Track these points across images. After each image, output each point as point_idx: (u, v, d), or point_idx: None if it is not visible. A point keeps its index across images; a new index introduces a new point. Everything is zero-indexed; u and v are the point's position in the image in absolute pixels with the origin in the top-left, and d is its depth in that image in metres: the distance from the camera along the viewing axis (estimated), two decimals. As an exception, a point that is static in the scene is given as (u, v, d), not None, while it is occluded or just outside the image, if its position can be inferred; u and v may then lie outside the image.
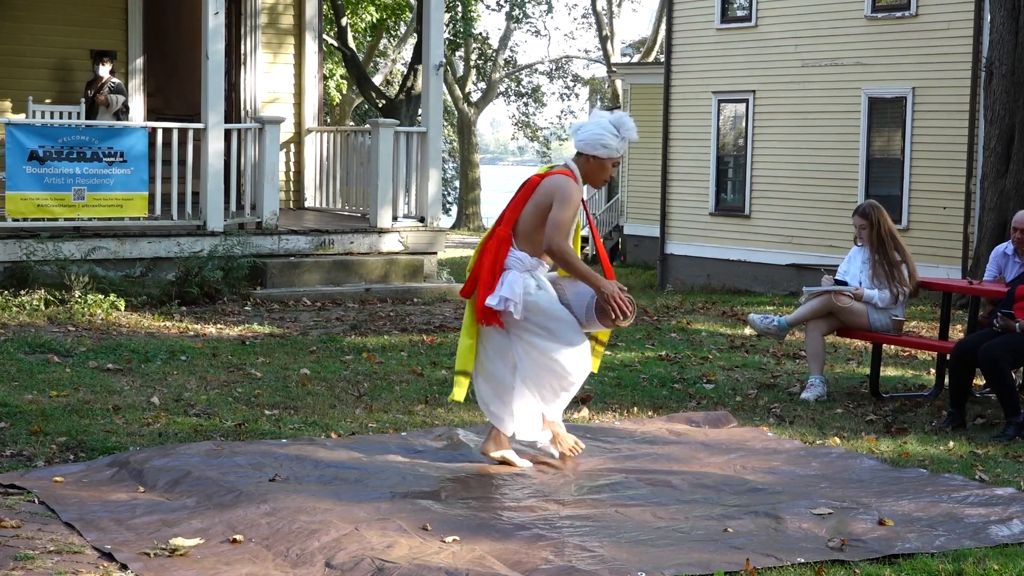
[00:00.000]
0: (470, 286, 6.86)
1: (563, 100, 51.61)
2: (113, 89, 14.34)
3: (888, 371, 10.38)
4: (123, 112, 14.41)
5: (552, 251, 6.62)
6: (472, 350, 6.86)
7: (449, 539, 5.48)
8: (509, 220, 6.80)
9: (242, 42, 16.34)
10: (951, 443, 7.78)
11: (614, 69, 39.26)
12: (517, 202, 6.82)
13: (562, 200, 6.65)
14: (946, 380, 8.79)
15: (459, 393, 6.93)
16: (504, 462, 6.95)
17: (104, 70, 14.29)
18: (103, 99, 14.16)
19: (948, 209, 19.27)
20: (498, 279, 6.70)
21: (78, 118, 13.71)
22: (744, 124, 22.66)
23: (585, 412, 8.43)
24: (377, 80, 37.09)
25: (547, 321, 6.72)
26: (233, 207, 13.88)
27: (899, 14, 20.08)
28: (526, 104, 50.77)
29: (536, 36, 64.84)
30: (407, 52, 37.17)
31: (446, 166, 48.56)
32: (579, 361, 6.79)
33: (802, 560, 5.37)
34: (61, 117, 13.86)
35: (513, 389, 6.83)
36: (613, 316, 6.62)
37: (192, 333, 11.29)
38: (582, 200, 6.81)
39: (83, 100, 14.26)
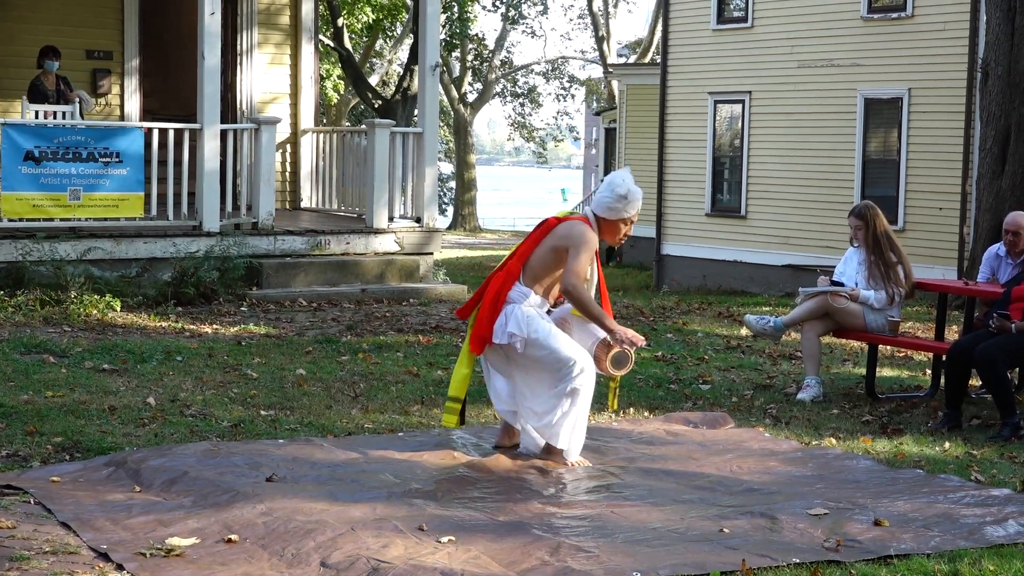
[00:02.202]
0: (469, 309, 7.09)
1: (559, 101, 51.67)
2: (68, 85, 14.24)
3: (884, 372, 10.39)
4: (88, 109, 14.35)
5: (569, 293, 6.85)
6: (466, 379, 7.12)
7: (445, 539, 5.48)
8: (522, 256, 7.03)
9: (238, 42, 16.33)
10: (947, 444, 7.79)
11: (610, 70, 39.28)
12: (532, 240, 7.05)
13: (578, 246, 6.87)
14: (942, 381, 8.79)
15: (449, 420, 7.18)
16: (515, 446, 7.18)
17: (56, 66, 14.16)
18: (74, 96, 14.09)
19: (944, 210, 19.28)
20: (499, 311, 6.89)
21: (71, 118, 13.70)
22: (740, 125, 22.67)
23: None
24: (373, 81, 37.06)
25: (538, 351, 6.87)
26: (229, 207, 13.87)
27: (895, 15, 20.09)
28: (522, 105, 50.81)
29: (532, 37, 64.97)
30: (403, 53, 37.18)
31: (442, 166, 48.60)
32: (570, 356, 6.88)
33: (798, 560, 5.37)
34: (54, 117, 13.82)
35: (550, 404, 6.94)
36: (614, 364, 6.88)
37: (188, 334, 11.28)
38: (596, 252, 6.99)
39: (29, 95, 14.07)
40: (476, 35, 42.89)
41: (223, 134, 13.68)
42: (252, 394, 8.67)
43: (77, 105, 13.95)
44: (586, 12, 48.25)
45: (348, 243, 14.39)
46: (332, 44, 29.48)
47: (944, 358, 8.67)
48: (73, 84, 14.46)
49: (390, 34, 38.54)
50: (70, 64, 14.54)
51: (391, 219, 14.73)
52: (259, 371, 9.51)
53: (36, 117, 13.55)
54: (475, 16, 37.54)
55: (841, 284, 9.39)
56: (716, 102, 23.13)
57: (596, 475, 6.83)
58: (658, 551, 5.46)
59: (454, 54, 43.68)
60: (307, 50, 16.79)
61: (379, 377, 9.48)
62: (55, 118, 13.69)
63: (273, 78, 16.60)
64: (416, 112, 17.05)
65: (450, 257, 28.87)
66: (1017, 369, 8.92)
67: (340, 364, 9.97)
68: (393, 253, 14.63)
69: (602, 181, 7.25)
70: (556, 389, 6.87)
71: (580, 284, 6.83)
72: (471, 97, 48.04)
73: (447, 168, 50.45)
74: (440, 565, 5.15)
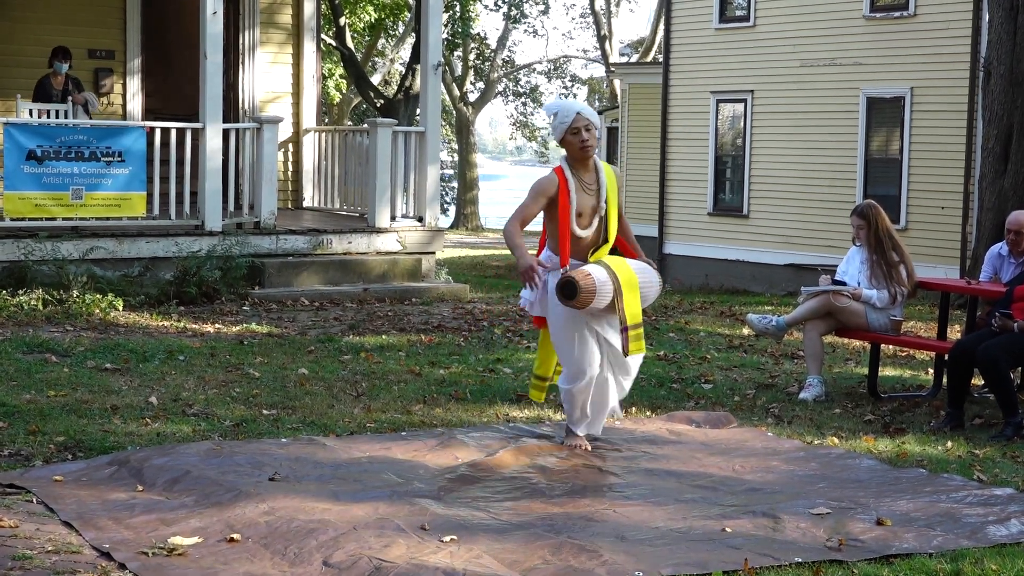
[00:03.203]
0: None
1: (561, 100, 51.58)
2: (77, 86, 14.25)
3: (886, 371, 10.38)
4: (93, 110, 14.36)
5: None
6: (541, 357, 7.99)
7: (447, 539, 5.48)
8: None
9: (240, 41, 16.34)
10: (949, 443, 7.79)
11: (612, 69, 39.26)
12: None
13: (529, 192, 7.19)
14: (944, 380, 8.79)
15: (535, 395, 8.27)
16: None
17: (64, 67, 14.17)
18: (81, 99, 14.10)
19: (946, 209, 19.27)
20: None
21: (66, 117, 13.69)
22: (742, 124, 22.66)
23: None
24: (375, 80, 37.08)
25: (551, 317, 7.27)
26: (231, 207, 13.88)
27: (897, 14, 20.08)
28: (524, 104, 50.78)
29: (534, 36, 64.99)
30: (405, 52, 37.18)
31: (443, 165, 48.53)
32: (575, 358, 7.18)
33: (800, 560, 5.37)
34: (47, 116, 13.81)
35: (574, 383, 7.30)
36: (559, 291, 6.99)
37: (190, 333, 11.29)
38: (565, 188, 7.10)
39: (34, 94, 14.06)
40: (478, 34, 42.89)
41: (225, 133, 13.69)
42: (254, 393, 8.67)
43: (71, 106, 13.94)
44: (588, 11, 48.22)
45: (350, 242, 14.39)
46: (334, 43, 29.49)
47: (946, 357, 8.67)
48: (83, 86, 14.46)
49: (392, 33, 38.56)
50: (73, 63, 14.51)
51: (393, 218, 14.73)
52: (261, 370, 9.51)
53: (31, 115, 13.56)
54: (477, 15, 37.55)
55: (843, 283, 9.39)
56: (718, 101, 23.12)
57: (598, 475, 6.83)
58: (660, 550, 5.46)
59: (456, 53, 43.65)
60: (309, 49, 16.79)
61: (381, 376, 9.48)
62: (48, 116, 13.68)
63: (275, 77, 16.61)
64: (418, 111, 17.05)
65: (452, 256, 28.86)
66: (1020, 368, 8.91)
67: (342, 363, 9.97)
68: (395, 252, 14.63)
69: None
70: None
71: (508, 223, 7.09)
72: (473, 96, 48.02)
73: (449, 166, 50.37)
74: (442, 564, 5.15)
